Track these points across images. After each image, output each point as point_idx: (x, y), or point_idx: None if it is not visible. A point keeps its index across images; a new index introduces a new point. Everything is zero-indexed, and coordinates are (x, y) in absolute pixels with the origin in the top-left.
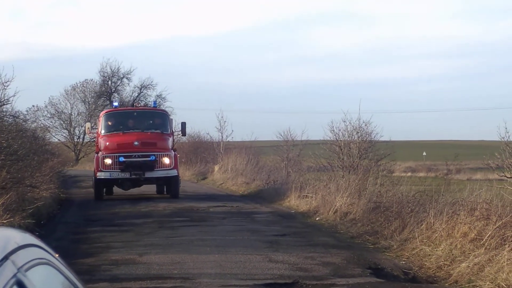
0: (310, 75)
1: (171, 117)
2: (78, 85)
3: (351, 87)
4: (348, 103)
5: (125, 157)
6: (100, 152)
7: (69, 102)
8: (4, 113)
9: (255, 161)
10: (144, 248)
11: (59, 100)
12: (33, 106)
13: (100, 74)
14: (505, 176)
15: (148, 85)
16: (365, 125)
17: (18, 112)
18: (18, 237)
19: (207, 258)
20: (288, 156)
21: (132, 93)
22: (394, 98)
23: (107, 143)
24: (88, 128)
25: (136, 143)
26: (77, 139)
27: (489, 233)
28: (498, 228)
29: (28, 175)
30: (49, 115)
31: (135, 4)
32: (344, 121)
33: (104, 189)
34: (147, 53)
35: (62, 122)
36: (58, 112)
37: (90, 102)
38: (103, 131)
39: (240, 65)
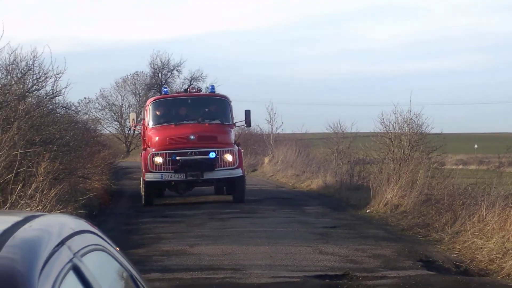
0: (359, 68)
1: (232, 104)
2: (129, 77)
3: (401, 80)
4: (398, 96)
5: (179, 154)
6: (148, 149)
7: (120, 94)
8: (57, 105)
9: (305, 153)
10: (195, 239)
11: (110, 92)
12: (85, 98)
13: (151, 66)
14: None
15: (198, 77)
16: (416, 117)
17: (70, 103)
18: (73, 223)
19: (257, 249)
20: (338, 148)
21: (182, 85)
22: (445, 91)
23: (157, 138)
24: (133, 119)
25: (192, 137)
26: (128, 131)
27: None
28: None
29: (80, 166)
30: (100, 107)
31: None
32: (395, 113)
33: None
34: (195, 46)
35: (113, 114)
36: (109, 104)
37: (140, 94)
38: (151, 123)
39: (289, 59)
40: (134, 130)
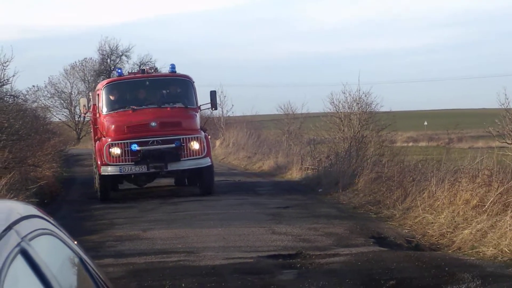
0: (309, 49)
1: (195, 84)
2: (77, 64)
3: (351, 59)
4: (348, 76)
5: (139, 144)
6: (103, 139)
7: (69, 82)
8: (4, 94)
9: (256, 135)
10: (148, 224)
11: (58, 79)
12: (33, 86)
13: (99, 52)
14: (506, 142)
15: (147, 62)
16: (365, 96)
17: (18, 92)
18: (21, 208)
19: (210, 231)
20: (289, 129)
21: (132, 71)
22: (394, 69)
23: (113, 126)
24: (84, 105)
25: (153, 123)
26: (78, 118)
27: (491, 199)
28: (500, 194)
29: (30, 154)
30: (49, 95)
31: None
32: (344, 93)
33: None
34: (143, 31)
35: (62, 102)
36: (58, 91)
37: (89, 81)
38: (105, 109)
39: (236, 41)
40: (85, 117)
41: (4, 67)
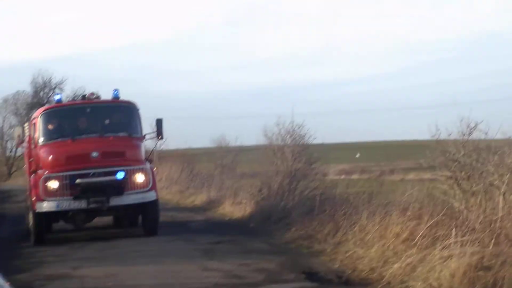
0: (243, 80)
1: (140, 111)
2: (9, 97)
3: (285, 90)
4: (282, 107)
5: (79, 176)
6: (39, 171)
7: (0, 115)
8: None
9: (190, 169)
10: (78, 262)
11: None
12: None
13: (32, 85)
14: (437, 174)
15: (80, 94)
16: (298, 128)
17: None
18: None
19: (142, 269)
20: (222, 162)
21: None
22: (327, 100)
23: (50, 157)
24: (19, 135)
25: (94, 154)
26: (10, 152)
27: (421, 232)
28: (429, 228)
29: None
30: None
31: (64, 15)
32: (278, 125)
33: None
34: (78, 64)
35: None
36: None
37: (22, 114)
38: (42, 139)
39: (169, 74)
40: (16, 150)
41: None
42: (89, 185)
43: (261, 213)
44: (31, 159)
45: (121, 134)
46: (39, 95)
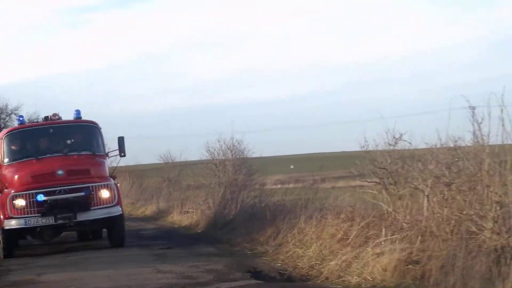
0: (186, 101)
1: (102, 130)
2: None
3: (227, 109)
4: (224, 125)
5: (46, 194)
6: (5, 190)
7: None
8: None
9: (139, 183)
10: (42, 269)
11: None
12: None
13: None
14: (366, 181)
15: (35, 119)
16: (238, 143)
17: None
18: None
19: (101, 273)
20: (168, 176)
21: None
22: (264, 117)
23: (16, 176)
24: None
25: (60, 172)
26: None
27: (354, 233)
28: (361, 228)
29: None
30: None
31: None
32: (219, 141)
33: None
34: (32, 90)
35: None
36: None
37: None
38: (7, 160)
39: (118, 96)
40: None
41: None
42: (56, 201)
43: (207, 221)
44: None
45: (84, 152)
46: None
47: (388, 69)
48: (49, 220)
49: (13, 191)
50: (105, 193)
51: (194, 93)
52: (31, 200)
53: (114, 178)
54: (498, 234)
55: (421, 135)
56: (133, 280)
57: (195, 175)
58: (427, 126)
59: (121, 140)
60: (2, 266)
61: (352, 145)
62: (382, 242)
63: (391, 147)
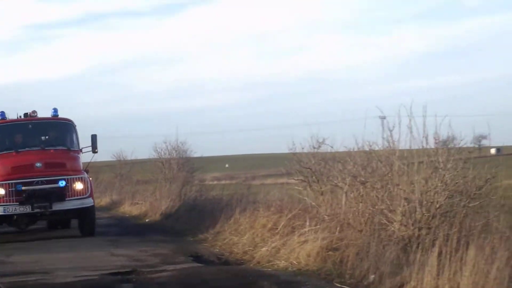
0: (136, 108)
1: (77, 128)
2: None
3: (171, 115)
4: (169, 129)
5: (24, 184)
6: None
7: None
8: None
9: (94, 177)
10: (9, 251)
11: None
12: None
13: None
14: (293, 179)
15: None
16: (182, 144)
17: None
18: None
19: (61, 256)
20: (121, 172)
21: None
22: (205, 122)
23: None
24: None
25: (38, 164)
26: None
27: (282, 223)
28: (289, 219)
29: None
30: None
31: None
32: (165, 143)
33: None
34: (5, 93)
35: None
36: None
37: None
38: None
39: (78, 102)
40: None
41: None
42: (34, 192)
43: (154, 211)
44: None
45: (60, 147)
46: None
47: (310, 83)
48: (27, 209)
49: None
50: (79, 185)
51: (143, 101)
52: (10, 189)
53: (87, 172)
54: (405, 226)
55: (341, 140)
56: (89, 262)
57: (144, 171)
58: (346, 132)
59: (94, 138)
60: None
61: (281, 148)
62: (306, 232)
63: (315, 150)
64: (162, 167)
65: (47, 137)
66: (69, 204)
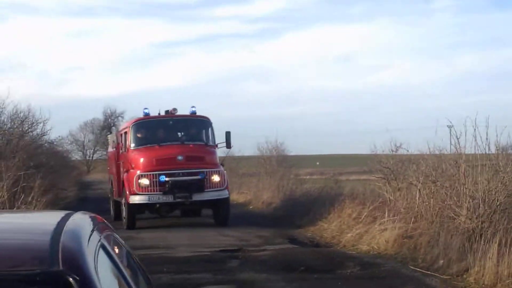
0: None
1: (213, 125)
2: (88, 121)
3: (273, 120)
4: (271, 131)
5: (167, 175)
6: (131, 170)
7: (82, 133)
8: (44, 141)
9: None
10: (139, 230)
11: (76, 132)
12: (59, 136)
13: (103, 113)
14: (374, 176)
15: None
16: (280, 144)
17: (52, 140)
18: (93, 218)
19: (182, 234)
20: (230, 166)
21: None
22: (302, 126)
23: (142, 159)
24: (113, 141)
25: (179, 157)
26: (88, 157)
27: (365, 213)
28: (370, 210)
29: (60, 181)
30: (69, 142)
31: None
32: (267, 142)
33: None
34: (134, 99)
35: (78, 147)
36: (75, 140)
37: (96, 133)
38: (133, 145)
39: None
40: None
41: (44, 124)
42: (176, 182)
43: (257, 200)
44: (119, 161)
45: (198, 142)
46: (108, 121)
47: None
48: (169, 198)
49: (138, 171)
50: (216, 178)
51: (250, 107)
52: (154, 180)
53: (222, 165)
54: (470, 219)
55: (415, 144)
56: (204, 240)
57: (249, 166)
58: (419, 138)
59: (228, 135)
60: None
61: (364, 149)
62: (386, 221)
63: (393, 152)
64: (264, 163)
65: (186, 132)
66: (207, 195)
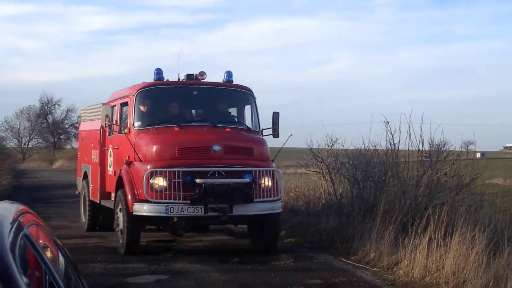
0: None
1: (257, 101)
2: (24, 108)
3: None
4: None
5: (198, 174)
6: (135, 164)
7: (18, 120)
8: None
9: None
10: (74, 217)
11: (11, 119)
12: None
13: (39, 101)
14: (310, 170)
15: (72, 109)
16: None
17: None
18: (17, 207)
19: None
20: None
21: (61, 115)
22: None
23: (155, 147)
24: (107, 116)
25: (216, 147)
26: (23, 145)
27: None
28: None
29: None
30: (4, 129)
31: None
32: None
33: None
34: (71, 86)
35: (13, 134)
36: (10, 127)
37: (32, 120)
38: (138, 123)
39: None
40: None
41: None
42: (213, 187)
43: None
44: (106, 147)
45: (236, 126)
46: (44, 108)
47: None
48: (199, 211)
49: (149, 166)
50: (268, 182)
51: None
52: (176, 180)
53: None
54: (402, 213)
55: (351, 139)
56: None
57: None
58: (356, 133)
59: (275, 116)
60: (46, 214)
61: (301, 143)
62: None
63: (329, 147)
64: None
65: (219, 109)
66: (255, 208)
